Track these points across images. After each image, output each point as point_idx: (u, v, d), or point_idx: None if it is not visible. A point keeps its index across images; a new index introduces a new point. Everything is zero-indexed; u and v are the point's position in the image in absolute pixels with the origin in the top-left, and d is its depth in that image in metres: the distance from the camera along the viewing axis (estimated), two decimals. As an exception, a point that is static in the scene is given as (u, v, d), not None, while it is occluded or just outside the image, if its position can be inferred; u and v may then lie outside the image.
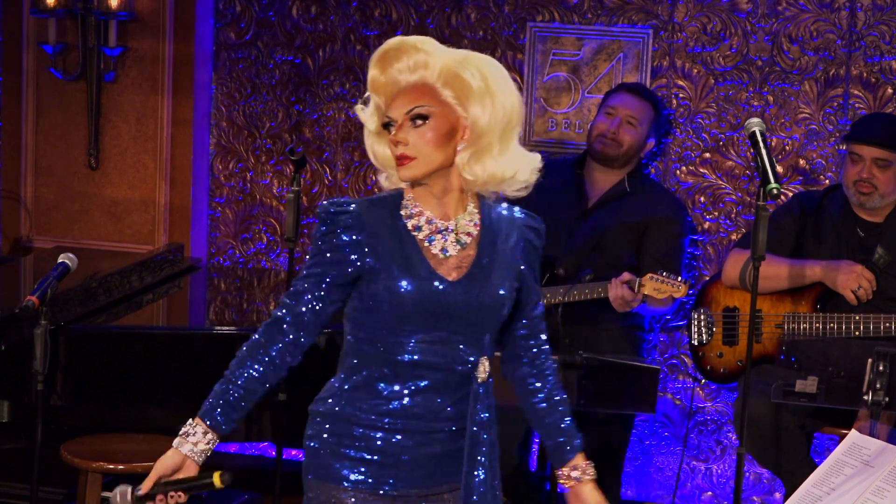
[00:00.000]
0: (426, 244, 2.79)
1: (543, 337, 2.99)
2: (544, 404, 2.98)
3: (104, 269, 5.02)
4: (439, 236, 2.80)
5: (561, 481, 2.98)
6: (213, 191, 5.75)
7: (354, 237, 2.76)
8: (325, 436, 2.83)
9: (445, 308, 2.76)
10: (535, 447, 5.12)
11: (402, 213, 2.80)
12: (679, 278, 4.52)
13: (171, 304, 5.25)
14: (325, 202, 2.80)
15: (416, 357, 2.77)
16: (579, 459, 2.98)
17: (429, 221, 2.80)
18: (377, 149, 2.85)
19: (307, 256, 2.82)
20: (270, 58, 5.61)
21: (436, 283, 2.76)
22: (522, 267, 2.88)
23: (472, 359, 2.80)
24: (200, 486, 2.78)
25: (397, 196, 2.83)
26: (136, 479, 4.67)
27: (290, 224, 4.41)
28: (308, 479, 2.87)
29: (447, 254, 2.79)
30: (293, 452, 5.20)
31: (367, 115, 2.84)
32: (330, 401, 2.84)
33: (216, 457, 6.07)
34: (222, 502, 4.98)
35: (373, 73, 2.79)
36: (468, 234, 2.82)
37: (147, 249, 5.58)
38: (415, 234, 2.79)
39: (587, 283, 4.62)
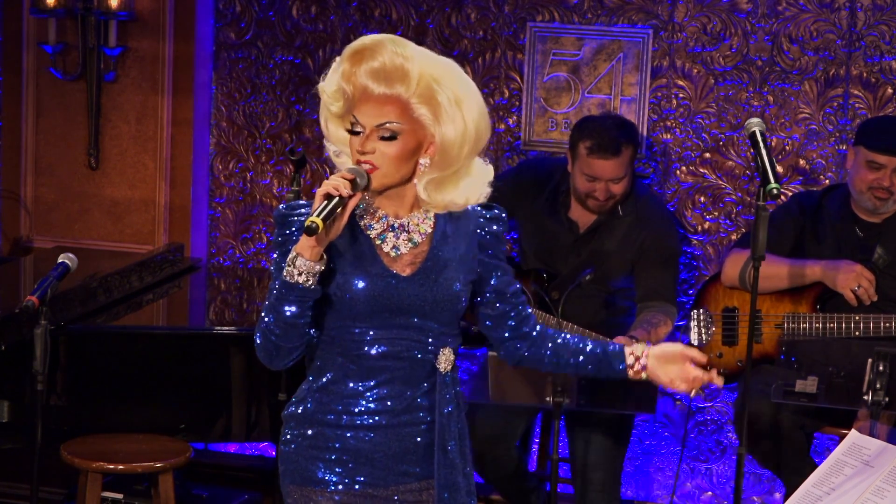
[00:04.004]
0: (378, 242, 2.82)
1: (522, 308, 2.98)
2: (553, 356, 2.96)
3: (104, 269, 5.02)
4: (391, 234, 2.82)
5: (631, 375, 2.91)
6: (213, 191, 5.75)
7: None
8: (299, 439, 2.85)
9: (399, 303, 2.79)
10: (535, 447, 5.12)
11: (356, 212, 2.82)
12: None
13: (171, 304, 5.25)
14: (280, 206, 2.82)
15: (378, 350, 2.80)
16: (628, 346, 2.95)
17: (380, 220, 2.82)
18: (332, 127, 2.84)
19: (272, 267, 2.82)
20: (270, 58, 5.61)
21: (388, 280, 2.78)
22: (482, 257, 2.89)
23: (432, 350, 2.83)
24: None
25: None
26: (136, 479, 4.70)
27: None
28: (285, 483, 2.88)
29: (399, 252, 2.82)
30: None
31: (329, 95, 2.80)
32: (300, 404, 2.87)
33: (216, 457, 6.11)
34: (223, 502, 4.98)
35: (345, 65, 2.75)
36: (421, 231, 2.84)
37: (147, 249, 5.57)
38: (368, 232, 2.82)
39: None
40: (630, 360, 2.94)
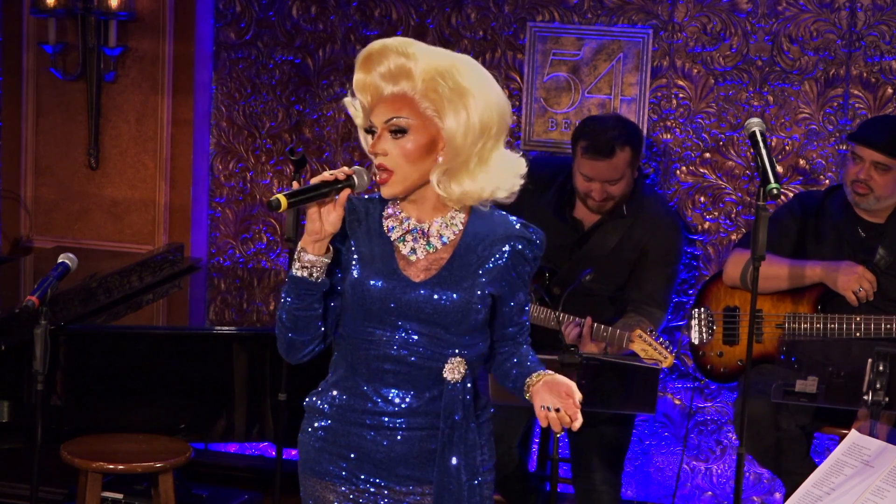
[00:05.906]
0: (398, 244, 2.84)
1: (527, 336, 3.00)
2: (515, 361, 2.96)
3: (104, 269, 5.02)
4: (410, 237, 2.84)
5: (527, 393, 2.86)
6: (213, 191, 5.75)
7: (347, 220, 2.81)
8: (311, 431, 2.92)
9: (407, 308, 2.80)
10: (535, 447, 5.12)
11: (384, 213, 2.86)
12: (669, 347, 4.46)
13: (171, 304, 5.25)
14: None
15: (385, 353, 2.82)
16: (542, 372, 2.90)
17: (402, 222, 2.84)
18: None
19: None
20: (270, 58, 5.61)
21: (397, 283, 2.81)
22: (509, 274, 2.88)
23: (441, 358, 2.83)
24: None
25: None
26: (136, 479, 4.70)
27: (289, 224, 4.41)
28: (300, 471, 2.95)
29: (416, 255, 2.83)
30: (293, 452, 5.19)
31: (355, 109, 2.85)
32: (318, 396, 2.93)
33: (216, 457, 6.10)
34: (223, 502, 4.98)
35: (357, 75, 2.80)
36: (442, 237, 2.84)
37: (147, 249, 5.57)
38: (389, 234, 2.85)
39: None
40: (528, 381, 2.89)
